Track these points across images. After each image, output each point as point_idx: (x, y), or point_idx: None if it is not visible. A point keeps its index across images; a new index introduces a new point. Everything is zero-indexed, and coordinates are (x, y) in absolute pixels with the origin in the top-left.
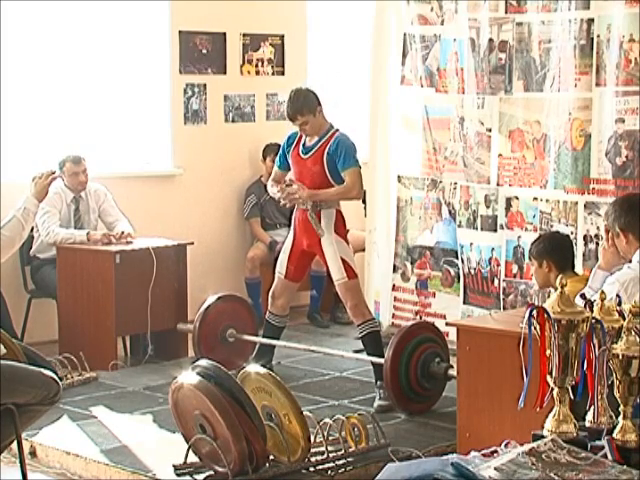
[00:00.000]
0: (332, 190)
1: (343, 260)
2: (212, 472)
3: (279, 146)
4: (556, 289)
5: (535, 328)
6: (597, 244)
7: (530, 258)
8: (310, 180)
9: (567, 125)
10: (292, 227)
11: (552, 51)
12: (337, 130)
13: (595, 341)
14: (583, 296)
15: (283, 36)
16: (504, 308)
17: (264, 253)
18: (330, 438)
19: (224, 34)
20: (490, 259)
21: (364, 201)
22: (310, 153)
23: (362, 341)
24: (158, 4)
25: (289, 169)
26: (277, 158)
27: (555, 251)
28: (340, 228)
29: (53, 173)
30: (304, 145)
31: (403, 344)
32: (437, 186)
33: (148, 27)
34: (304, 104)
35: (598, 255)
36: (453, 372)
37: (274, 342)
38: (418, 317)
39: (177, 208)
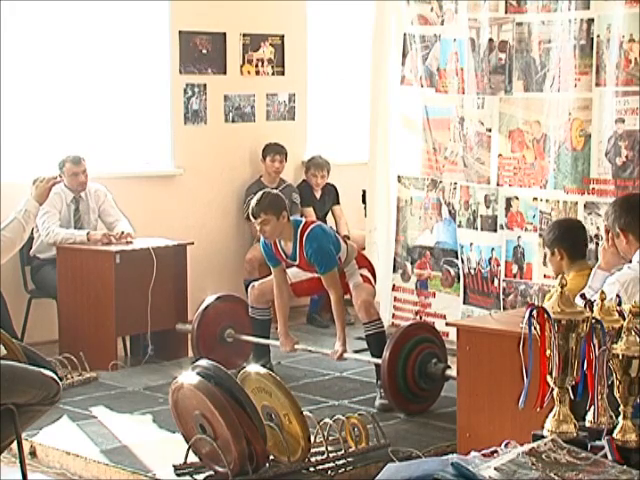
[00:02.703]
0: (338, 316)
1: (362, 275)
2: (212, 472)
3: (279, 146)
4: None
5: (535, 328)
6: (597, 244)
7: (544, 246)
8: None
9: (567, 125)
10: None
11: (552, 51)
12: (305, 229)
13: (595, 341)
14: (583, 296)
15: (283, 36)
16: (504, 308)
17: (262, 254)
18: (330, 438)
19: (224, 34)
20: (490, 259)
21: (364, 201)
22: (296, 260)
23: (367, 340)
24: (158, 4)
25: (281, 261)
26: (266, 260)
27: (566, 239)
28: (363, 264)
29: (55, 178)
30: (284, 252)
31: (400, 345)
32: (437, 186)
33: (148, 27)
34: (269, 204)
35: (598, 255)
36: (450, 372)
37: (272, 342)
38: (418, 317)
39: (177, 208)
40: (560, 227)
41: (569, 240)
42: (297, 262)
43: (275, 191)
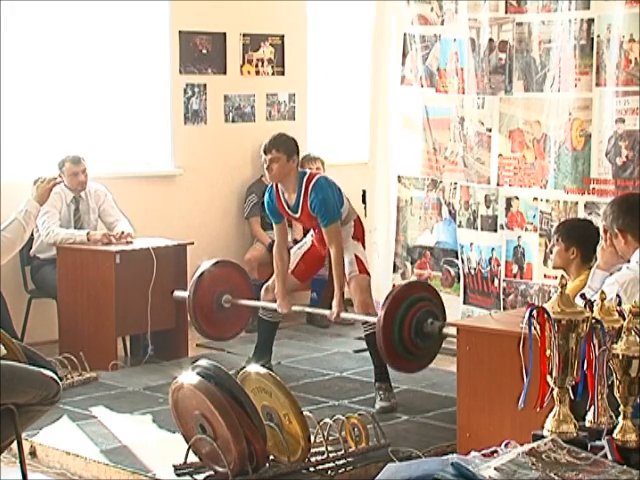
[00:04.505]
0: (337, 275)
1: (356, 256)
2: (212, 472)
3: None
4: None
5: (535, 328)
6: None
7: (558, 239)
8: (315, 223)
9: (567, 125)
10: (310, 235)
11: (552, 51)
12: (310, 179)
13: (595, 341)
14: (583, 296)
15: (283, 36)
16: (504, 308)
17: (262, 254)
18: (330, 438)
19: (224, 34)
20: (490, 259)
21: (364, 201)
22: (299, 211)
23: (366, 340)
24: (158, 4)
25: (283, 217)
26: (269, 216)
27: (586, 242)
28: (358, 233)
29: (55, 179)
30: (287, 204)
31: (397, 304)
32: (437, 186)
33: (148, 27)
34: (284, 143)
35: (597, 255)
36: (448, 330)
37: (268, 304)
38: None
39: (177, 208)
40: (584, 227)
41: (589, 243)
42: (299, 214)
43: (290, 135)
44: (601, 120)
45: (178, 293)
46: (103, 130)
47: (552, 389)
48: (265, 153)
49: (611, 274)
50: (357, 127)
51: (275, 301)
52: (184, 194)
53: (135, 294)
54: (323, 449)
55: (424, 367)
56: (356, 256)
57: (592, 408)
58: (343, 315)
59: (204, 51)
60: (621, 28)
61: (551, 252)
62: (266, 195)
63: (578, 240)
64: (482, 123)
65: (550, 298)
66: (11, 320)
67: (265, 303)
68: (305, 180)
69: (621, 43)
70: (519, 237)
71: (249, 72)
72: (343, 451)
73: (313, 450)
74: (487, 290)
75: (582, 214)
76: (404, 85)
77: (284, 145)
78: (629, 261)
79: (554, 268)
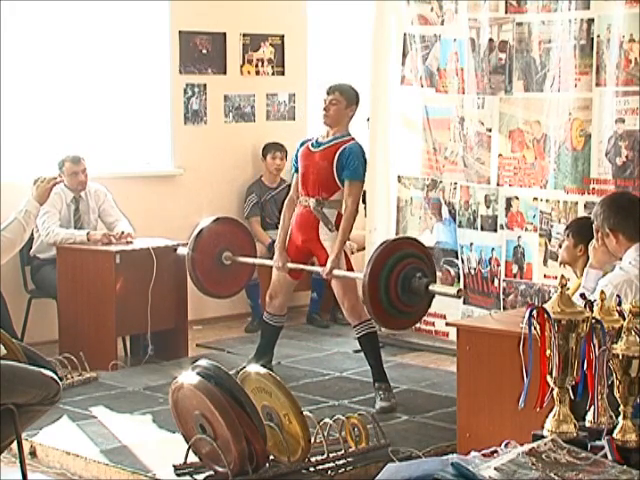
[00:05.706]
0: (342, 230)
1: (344, 253)
2: (212, 472)
3: (279, 144)
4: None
5: (535, 328)
6: None
7: (568, 234)
8: (316, 174)
9: (567, 125)
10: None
11: (552, 51)
12: (352, 138)
13: (595, 341)
14: (583, 296)
15: (283, 36)
16: (504, 308)
17: (261, 254)
18: (330, 438)
19: (224, 34)
20: (490, 259)
21: (364, 201)
22: (321, 147)
23: (359, 342)
24: (158, 4)
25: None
26: (294, 162)
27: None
28: (338, 222)
29: (55, 178)
30: (317, 140)
31: (383, 259)
32: (437, 186)
33: (148, 27)
34: (347, 89)
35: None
36: (434, 288)
37: (266, 262)
38: None
39: (177, 208)
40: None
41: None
42: (319, 150)
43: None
44: (601, 120)
45: (180, 250)
46: (103, 130)
47: (552, 389)
48: (327, 94)
49: (605, 273)
50: (357, 127)
51: (277, 304)
52: (184, 194)
53: (135, 294)
54: (323, 449)
55: (413, 324)
56: (345, 253)
57: (592, 408)
58: (335, 272)
59: (204, 51)
60: (621, 28)
61: (560, 247)
62: (299, 144)
63: (588, 238)
64: (482, 123)
65: (550, 298)
66: (11, 320)
67: (264, 261)
68: (348, 136)
69: (621, 43)
70: (519, 237)
71: (249, 72)
72: (343, 451)
73: (313, 450)
74: (487, 290)
75: (582, 214)
76: (404, 85)
77: (347, 92)
78: (621, 259)
79: (560, 263)
